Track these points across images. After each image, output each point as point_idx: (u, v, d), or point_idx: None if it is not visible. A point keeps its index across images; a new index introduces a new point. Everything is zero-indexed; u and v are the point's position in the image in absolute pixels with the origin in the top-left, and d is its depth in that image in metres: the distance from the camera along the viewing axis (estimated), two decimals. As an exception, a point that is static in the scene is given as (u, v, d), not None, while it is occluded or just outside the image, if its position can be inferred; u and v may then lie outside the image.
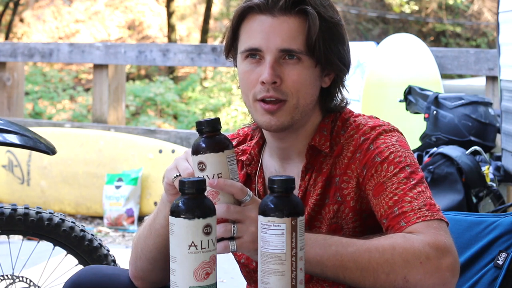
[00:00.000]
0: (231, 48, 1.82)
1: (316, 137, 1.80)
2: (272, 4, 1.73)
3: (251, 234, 1.57)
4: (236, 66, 1.83)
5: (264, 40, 1.73)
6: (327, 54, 1.75)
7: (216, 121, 1.59)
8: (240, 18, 1.77)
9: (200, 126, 1.58)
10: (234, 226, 1.58)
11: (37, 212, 2.58)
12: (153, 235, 1.79)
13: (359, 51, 6.42)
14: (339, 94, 1.84)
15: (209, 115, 13.52)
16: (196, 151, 1.58)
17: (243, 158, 1.89)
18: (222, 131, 1.61)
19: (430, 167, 4.20)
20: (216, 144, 1.57)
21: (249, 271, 1.87)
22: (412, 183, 1.68)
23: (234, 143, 1.93)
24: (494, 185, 4.34)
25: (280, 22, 1.73)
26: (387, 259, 1.56)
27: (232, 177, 1.59)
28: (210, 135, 1.58)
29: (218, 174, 1.57)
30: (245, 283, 1.93)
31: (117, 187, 5.97)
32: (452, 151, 4.22)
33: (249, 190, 1.60)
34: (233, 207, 1.58)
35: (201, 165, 1.57)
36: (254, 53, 1.74)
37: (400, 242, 1.57)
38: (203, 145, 1.57)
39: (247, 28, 1.76)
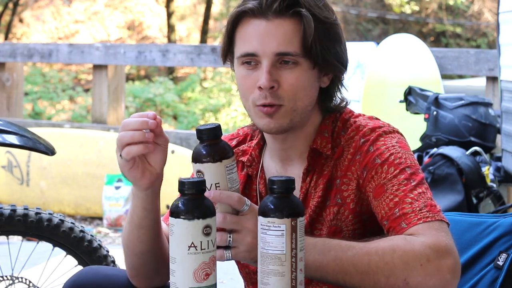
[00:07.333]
0: (227, 53, 1.81)
1: (317, 140, 1.79)
2: (266, 8, 1.71)
3: (247, 244, 1.57)
4: (234, 69, 1.82)
5: (259, 45, 1.71)
6: (324, 55, 1.74)
7: (216, 129, 1.57)
8: (235, 23, 1.75)
9: (200, 134, 1.56)
10: (230, 236, 1.57)
11: (37, 213, 2.57)
12: (134, 229, 1.75)
13: (359, 51, 6.41)
14: (338, 94, 1.83)
15: (209, 116, 13.51)
16: (195, 159, 1.56)
17: (244, 159, 1.88)
18: (222, 131, 1.59)
19: (430, 167, 4.20)
20: (215, 153, 1.55)
21: (249, 272, 1.86)
22: (412, 184, 1.67)
23: (233, 143, 1.92)
24: (494, 185, 4.33)
25: (275, 26, 1.72)
26: (387, 262, 1.55)
27: (231, 186, 1.57)
28: (209, 143, 1.56)
29: (215, 184, 1.55)
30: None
31: (117, 187, 5.97)
32: (452, 151, 4.22)
33: (247, 199, 1.59)
34: (230, 217, 1.57)
35: (200, 174, 1.56)
36: (250, 59, 1.73)
37: (400, 245, 1.56)
38: (202, 154, 1.55)
39: (242, 33, 1.75)
